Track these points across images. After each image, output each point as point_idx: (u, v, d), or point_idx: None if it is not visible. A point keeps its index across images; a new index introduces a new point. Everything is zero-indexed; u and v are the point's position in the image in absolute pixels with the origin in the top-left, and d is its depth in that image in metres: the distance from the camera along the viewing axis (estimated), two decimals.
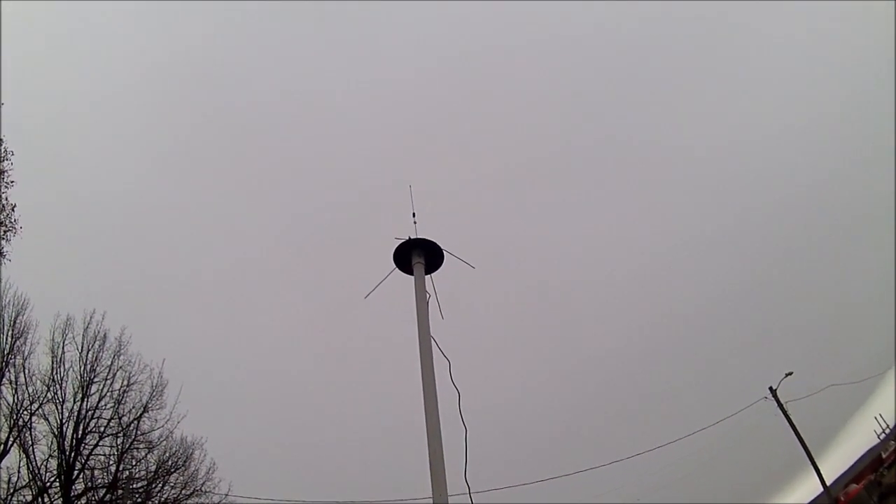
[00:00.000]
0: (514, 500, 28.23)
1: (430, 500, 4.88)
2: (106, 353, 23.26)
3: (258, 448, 41.65)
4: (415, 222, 6.69)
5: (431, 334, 5.92)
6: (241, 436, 39.49)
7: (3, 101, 17.46)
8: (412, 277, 6.42)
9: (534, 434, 54.12)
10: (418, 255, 6.45)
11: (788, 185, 57.47)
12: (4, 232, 17.81)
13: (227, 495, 25.49)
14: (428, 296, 6.24)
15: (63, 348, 22.43)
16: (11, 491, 20.23)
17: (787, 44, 63.17)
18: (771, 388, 30.05)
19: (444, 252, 6.55)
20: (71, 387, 22.25)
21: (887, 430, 39.25)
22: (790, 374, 30.18)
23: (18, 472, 20.58)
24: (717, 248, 63.20)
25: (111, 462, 22.82)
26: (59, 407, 21.79)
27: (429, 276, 6.50)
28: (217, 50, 70.53)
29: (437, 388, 5.49)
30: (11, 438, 20.50)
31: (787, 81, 63.70)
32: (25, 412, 21.09)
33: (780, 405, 29.57)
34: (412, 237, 6.49)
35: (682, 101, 68.33)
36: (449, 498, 4.97)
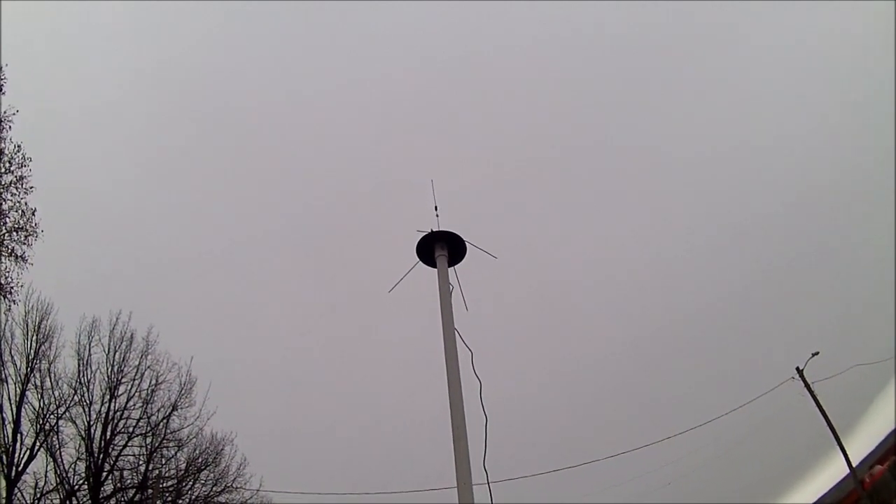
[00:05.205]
0: (536, 489, 28.14)
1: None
2: (133, 353, 23.39)
3: (284, 441, 42.02)
4: (437, 215, 6.60)
5: (455, 326, 5.83)
6: (270, 429, 39.83)
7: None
8: (435, 270, 6.33)
9: (555, 424, 54.02)
10: (441, 248, 6.36)
11: (807, 175, 56.68)
12: (25, 237, 17.78)
13: (258, 490, 25.57)
14: (451, 288, 6.15)
15: (89, 350, 22.61)
16: (38, 496, 20.28)
17: (790, 46, 62.76)
18: (798, 369, 29.52)
19: (467, 244, 6.45)
20: (98, 388, 22.35)
21: None
22: (817, 353, 29.57)
23: (45, 476, 20.66)
24: (739, 237, 62.46)
25: (140, 462, 22.97)
26: (87, 409, 21.91)
27: (452, 268, 6.42)
28: (249, 40, 70.65)
29: (461, 378, 5.42)
30: (38, 443, 20.52)
31: (791, 82, 63.24)
32: (52, 416, 21.13)
33: (808, 385, 29.02)
34: (434, 230, 6.39)
35: (698, 99, 67.83)
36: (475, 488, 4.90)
